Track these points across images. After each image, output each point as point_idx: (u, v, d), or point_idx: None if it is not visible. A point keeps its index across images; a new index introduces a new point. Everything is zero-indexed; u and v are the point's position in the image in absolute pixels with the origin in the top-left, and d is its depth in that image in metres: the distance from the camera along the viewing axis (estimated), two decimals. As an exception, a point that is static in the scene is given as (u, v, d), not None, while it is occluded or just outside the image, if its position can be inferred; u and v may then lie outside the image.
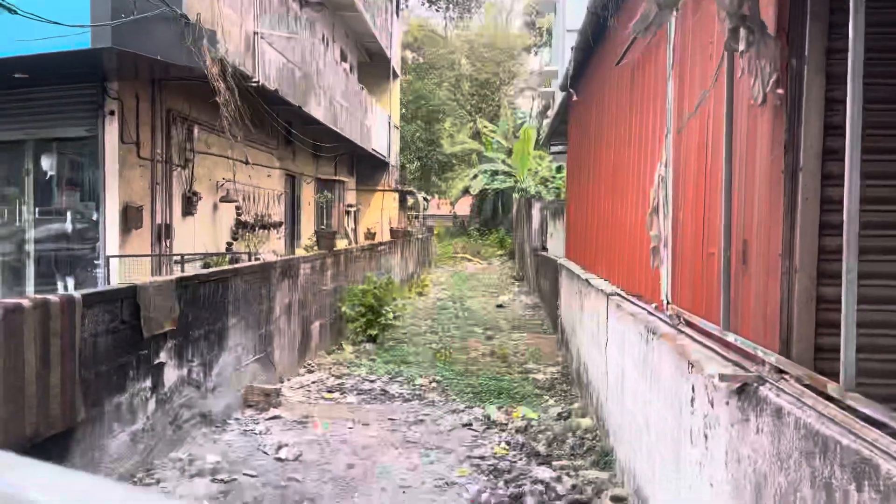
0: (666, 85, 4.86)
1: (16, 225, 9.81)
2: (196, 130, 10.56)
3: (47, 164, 9.60)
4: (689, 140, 4.51)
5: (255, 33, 10.43)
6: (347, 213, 20.53)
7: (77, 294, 4.83)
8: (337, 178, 19.27)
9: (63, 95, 9.11)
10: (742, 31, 2.68)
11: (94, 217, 9.27)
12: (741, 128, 3.54)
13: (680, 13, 4.43)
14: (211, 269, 8.30)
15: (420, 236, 25.31)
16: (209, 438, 6.63)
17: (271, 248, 13.15)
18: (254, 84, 10.24)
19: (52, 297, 4.51)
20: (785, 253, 3.06)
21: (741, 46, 2.74)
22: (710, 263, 4.05)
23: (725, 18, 2.70)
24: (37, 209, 9.75)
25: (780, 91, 2.91)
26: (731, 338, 3.45)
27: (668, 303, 4.74)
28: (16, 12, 5.84)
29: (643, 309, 5.39)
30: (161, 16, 7.57)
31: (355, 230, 20.95)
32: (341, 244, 15.11)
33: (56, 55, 7.38)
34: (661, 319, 4.80)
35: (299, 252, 13.61)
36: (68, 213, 9.62)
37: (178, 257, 9.80)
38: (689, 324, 4.26)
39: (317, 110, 13.73)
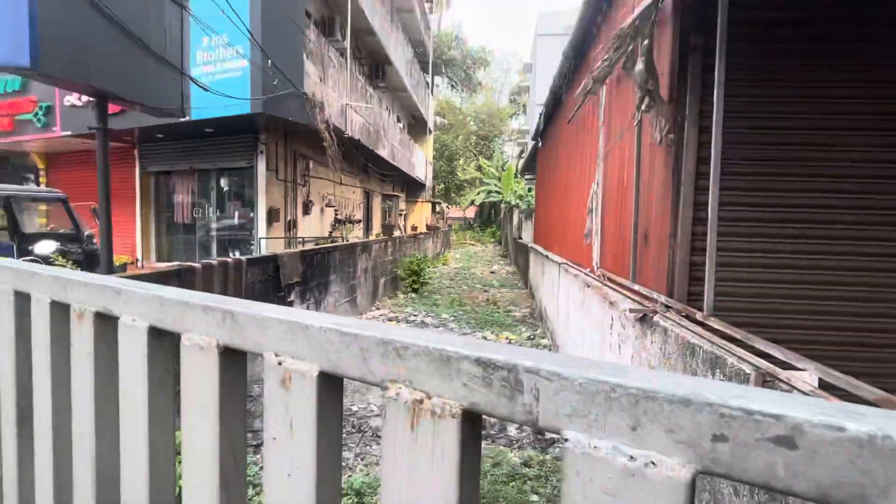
0: (598, 133, 4.83)
1: (206, 221, 9.96)
2: (311, 163, 10.61)
3: (224, 183, 9.71)
4: (613, 168, 4.49)
5: (347, 105, 10.43)
6: (400, 215, 20.56)
7: (243, 258, 4.92)
8: (394, 193, 19.27)
9: (233, 141, 9.19)
10: (647, 99, 2.67)
11: (251, 215, 9.38)
12: (646, 159, 3.53)
13: (608, 86, 4.40)
14: (320, 246, 8.37)
15: (444, 230, 25.27)
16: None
17: (355, 235, 13.23)
18: (346, 136, 10.27)
19: (229, 260, 4.60)
20: (671, 235, 3.05)
21: (645, 108, 2.73)
22: (624, 243, 4.04)
23: (637, 91, 2.69)
24: (217, 211, 9.88)
25: (670, 136, 2.89)
26: (636, 287, 3.46)
27: (597, 267, 4.74)
28: (207, 90, 5.88)
29: (581, 272, 5.39)
30: (292, 93, 7.60)
31: (404, 225, 20.98)
32: (396, 233, 15.17)
33: (230, 117, 7.44)
34: (592, 278, 4.81)
35: (372, 237, 13.68)
36: (235, 213, 9.74)
37: (301, 239, 9.90)
38: (610, 280, 4.27)
39: (383, 152, 13.72)
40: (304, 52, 8.18)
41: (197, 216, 10.03)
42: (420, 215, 23.27)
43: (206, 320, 0.53)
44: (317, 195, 11.21)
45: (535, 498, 3.48)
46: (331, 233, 11.86)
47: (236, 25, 6.20)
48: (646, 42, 2.69)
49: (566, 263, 6.46)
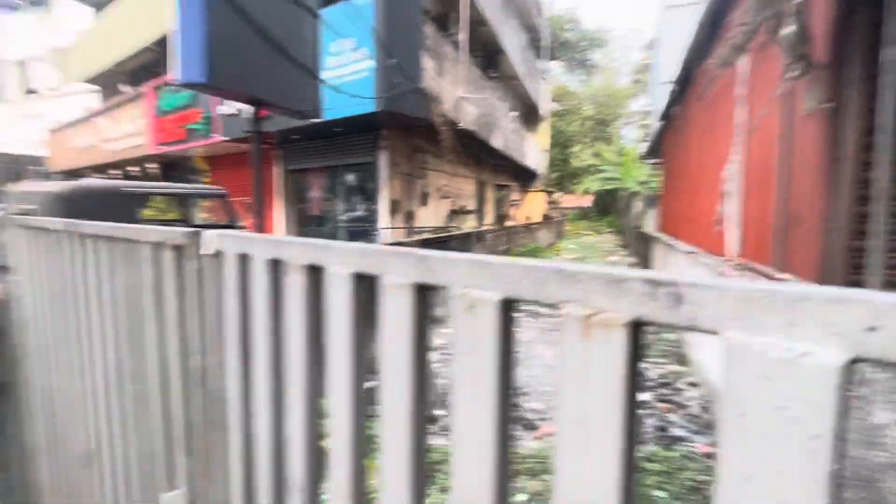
0: (737, 108, 4.42)
1: (334, 213, 10.94)
2: (427, 156, 11.07)
3: (350, 178, 10.56)
4: (755, 145, 4.09)
5: (461, 97, 10.68)
6: (512, 204, 20.54)
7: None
8: (507, 183, 19.30)
9: (358, 138, 9.91)
10: (798, 64, 2.41)
11: (374, 208, 10.09)
12: (796, 132, 3.18)
13: (749, 55, 4.01)
14: (437, 235, 8.75)
15: (558, 219, 24.71)
16: (435, 333, 7.06)
17: (469, 225, 13.54)
18: (460, 127, 10.52)
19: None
20: (828, 218, 2.74)
21: (798, 74, 2.47)
22: (767, 228, 3.69)
23: (786, 56, 2.44)
24: (343, 204, 10.78)
25: (827, 105, 2.59)
26: (782, 277, 3.16)
27: (735, 255, 4.38)
28: (339, 91, 6.46)
29: (714, 261, 5.00)
30: (412, 90, 8.00)
31: (517, 215, 20.93)
32: (510, 223, 15.23)
33: (356, 116, 8.07)
34: (728, 267, 4.45)
35: (485, 228, 13.90)
36: (360, 206, 10.54)
37: (419, 229, 10.42)
38: (750, 269, 3.92)
39: (496, 142, 13.81)
40: (422, 48, 8.55)
41: (327, 209, 11.05)
42: (533, 205, 23.04)
43: (402, 263, 0.68)
44: (433, 187, 11.68)
45: (661, 494, 3.37)
46: (447, 223, 12.30)
47: (365, 31, 6.71)
48: (797, 0, 2.43)
49: (695, 252, 6.02)
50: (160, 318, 1.41)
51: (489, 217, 16.61)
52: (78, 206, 5.82)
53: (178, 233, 1.29)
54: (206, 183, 13.64)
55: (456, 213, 12.74)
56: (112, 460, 1.78)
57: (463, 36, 11.19)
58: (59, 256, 2.00)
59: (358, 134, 9.78)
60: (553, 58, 27.56)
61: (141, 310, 1.51)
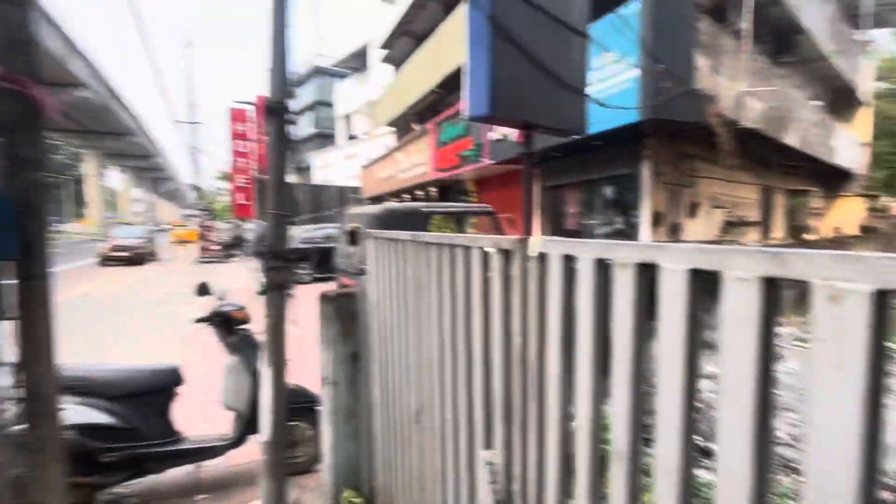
0: None
1: (590, 227, 11.00)
2: (697, 162, 10.11)
3: (606, 191, 10.48)
4: None
5: (743, 92, 9.43)
6: (813, 213, 16.78)
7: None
8: (804, 188, 15.91)
9: (617, 150, 9.77)
10: None
11: (634, 221, 9.74)
12: None
13: None
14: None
15: (886, 231, 19.00)
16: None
17: (749, 238, 11.73)
18: (741, 127, 9.29)
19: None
20: None
21: None
22: None
23: None
24: (600, 218, 10.73)
25: None
26: None
27: None
28: (605, 105, 6.55)
29: None
30: (681, 93, 7.51)
31: (819, 227, 17.00)
32: (808, 237, 12.55)
33: (617, 128, 8.01)
34: None
35: (772, 242, 11.80)
36: (617, 219, 10.32)
37: (685, 243, 9.60)
38: None
39: (789, 139, 11.64)
40: (695, 46, 7.94)
41: (583, 223, 11.17)
42: (846, 214, 18.27)
43: (748, 259, 0.77)
44: (704, 196, 10.56)
45: None
46: (720, 237, 10.94)
47: (629, 41, 6.65)
48: None
49: None
50: (487, 307, 1.78)
51: (777, 229, 13.98)
52: (388, 222, 7.41)
53: (506, 239, 1.63)
54: (473, 202, 15.47)
55: (732, 224, 11.21)
56: (439, 419, 2.28)
57: (746, 24, 9.89)
58: (403, 259, 2.68)
59: (618, 145, 9.62)
60: (881, 24, 21.50)
61: (469, 300, 1.93)
